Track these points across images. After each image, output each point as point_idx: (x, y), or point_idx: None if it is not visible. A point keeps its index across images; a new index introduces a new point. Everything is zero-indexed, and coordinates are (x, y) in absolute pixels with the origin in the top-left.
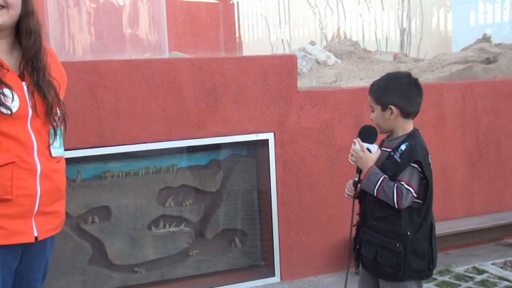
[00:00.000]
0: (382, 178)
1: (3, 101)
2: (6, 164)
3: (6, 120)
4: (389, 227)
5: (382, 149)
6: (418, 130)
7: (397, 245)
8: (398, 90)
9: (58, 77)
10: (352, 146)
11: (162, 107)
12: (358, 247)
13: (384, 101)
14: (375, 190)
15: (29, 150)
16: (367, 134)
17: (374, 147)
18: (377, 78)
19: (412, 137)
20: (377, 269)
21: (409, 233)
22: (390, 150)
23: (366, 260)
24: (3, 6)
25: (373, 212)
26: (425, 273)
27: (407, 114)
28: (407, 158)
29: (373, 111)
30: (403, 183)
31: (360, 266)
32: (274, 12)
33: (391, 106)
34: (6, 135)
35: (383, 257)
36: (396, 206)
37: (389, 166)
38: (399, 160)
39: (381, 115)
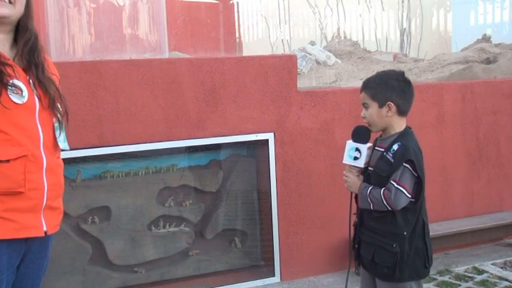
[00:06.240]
0: (369, 190)
1: (15, 91)
2: (19, 157)
3: (18, 111)
4: (386, 227)
5: (376, 148)
6: (411, 128)
7: (394, 245)
8: (396, 87)
9: (55, 77)
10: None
11: (162, 107)
12: (357, 247)
13: (381, 98)
14: (371, 205)
15: (36, 143)
16: (359, 134)
17: (364, 147)
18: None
19: (405, 135)
20: (374, 269)
21: (405, 233)
22: (383, 150)
23: (365, 260)
24: (10, 2)
25: (370, 212)
26: (422, 272)
27: (402, 112)
28: (400, 158)
29: (367, 109)
30: (393, 182)
31: (361, 266)
32: (274, 12)
33: (389, 102)
34: (17, 125)
35: (380, 257)
36: (390, 208)
37: (382, 167)
38: (392, 160)
39: (377, 112)
